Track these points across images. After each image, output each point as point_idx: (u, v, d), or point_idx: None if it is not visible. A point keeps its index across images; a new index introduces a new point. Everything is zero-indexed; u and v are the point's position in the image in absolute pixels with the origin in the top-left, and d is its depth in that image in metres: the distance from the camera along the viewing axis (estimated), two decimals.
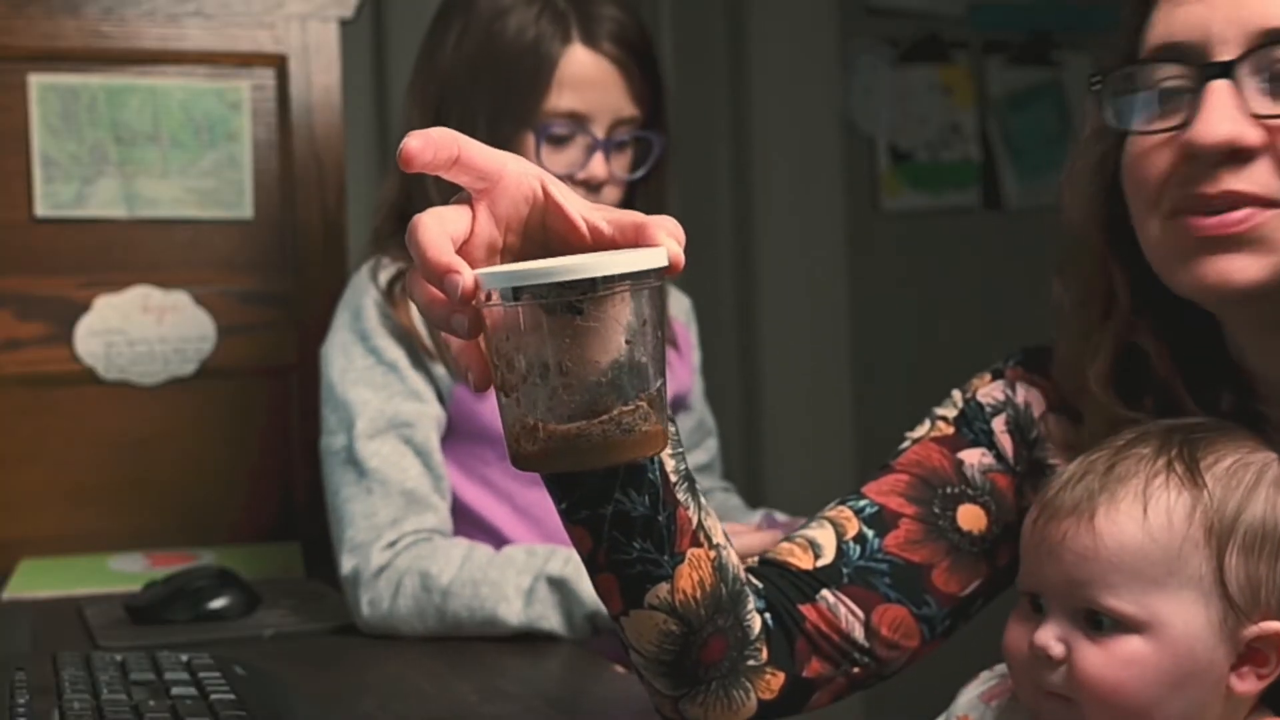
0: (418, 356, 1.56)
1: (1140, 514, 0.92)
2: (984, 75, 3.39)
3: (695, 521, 0.97)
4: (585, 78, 1.55)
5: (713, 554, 0.98)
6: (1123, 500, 0.93)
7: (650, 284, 0.80)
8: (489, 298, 0.79)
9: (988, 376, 1.13)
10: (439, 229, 0.82)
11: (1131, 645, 0.92)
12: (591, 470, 0.90)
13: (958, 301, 3.28)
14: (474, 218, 0.85)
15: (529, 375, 0.80)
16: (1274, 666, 0.93)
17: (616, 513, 0.93)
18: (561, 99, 1.54)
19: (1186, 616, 0.91)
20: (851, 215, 3.19)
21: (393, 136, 2.63)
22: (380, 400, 1.53)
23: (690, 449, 1.79)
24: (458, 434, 1.58)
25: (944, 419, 1.12)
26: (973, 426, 1.11)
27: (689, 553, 0.96)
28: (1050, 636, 0.94)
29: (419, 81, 1.63)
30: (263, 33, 1.91)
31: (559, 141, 1.55)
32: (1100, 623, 0.93)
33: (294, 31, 1.91)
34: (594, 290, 0.78)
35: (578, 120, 1.55)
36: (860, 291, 3.20)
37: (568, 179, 1.50)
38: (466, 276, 0.80)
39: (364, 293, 1.58)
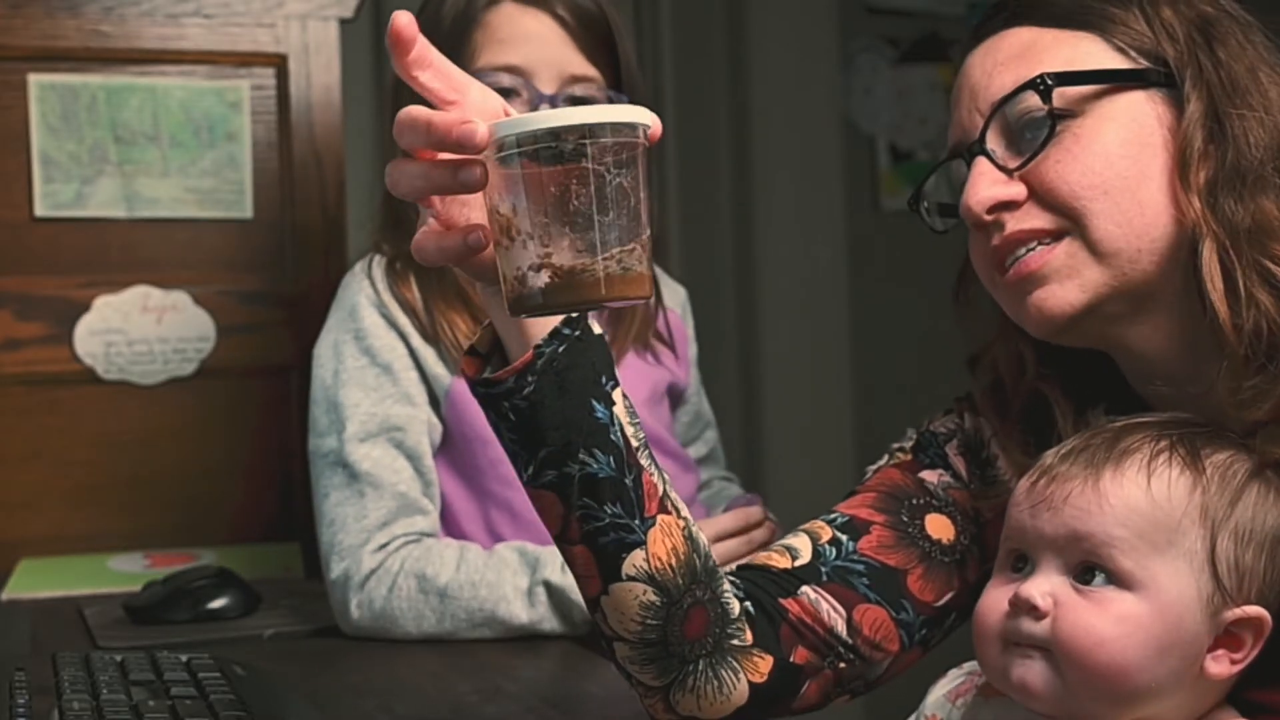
0: (414, 355, 1.55)
1: (1145, 483, 0.95)
2: None
3: (661, 489, 1.00)
4: (520, 32, 1.52)
5: (682, 523, 1.01)
6: (1128, 469, 0.95)
7: (641, 141, 0.88)
8: (501, 146, 0.86)
9: (939, 414, 1.21)
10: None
11: (1125, 603, 0.93)
12: (573, 400, 0.95)
13: None
14: None
15: (536, 216, 0.87)
16: (1248, 651, 0.95)
17: (584, 476, 0.96)
18: (495, 54, 1.51)
19: (1180, 585, 0.93)
20: (851, 215, 3.19)
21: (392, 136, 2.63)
22: (371, 403, 1.52)
23: (690, 442, 1.79)
24: (454, 439, 1.57)
25: (901, 449, 1.19)
26: (928, 453, 1.17)
27: (659, 518, 0.99)
28: (1036, 590, 0.94)
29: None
30: (263, 33, 1.91)
31: (502, 96, 1.51)
32: (1090, 579, 0.93)
33: (294, 31, 1.91)
34: (599, 136, 0.86)
35: (517, 75, 1.51)
36: (860, 291, 3.20)
37: None
38: (481, 126, 0.86)
39: (358, 291, 1.57)
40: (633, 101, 1.57)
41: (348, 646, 1.47)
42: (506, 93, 1.50)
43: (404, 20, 0.86)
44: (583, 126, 0.86)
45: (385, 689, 1.31)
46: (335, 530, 1.49)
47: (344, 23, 1.93)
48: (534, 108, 1.50)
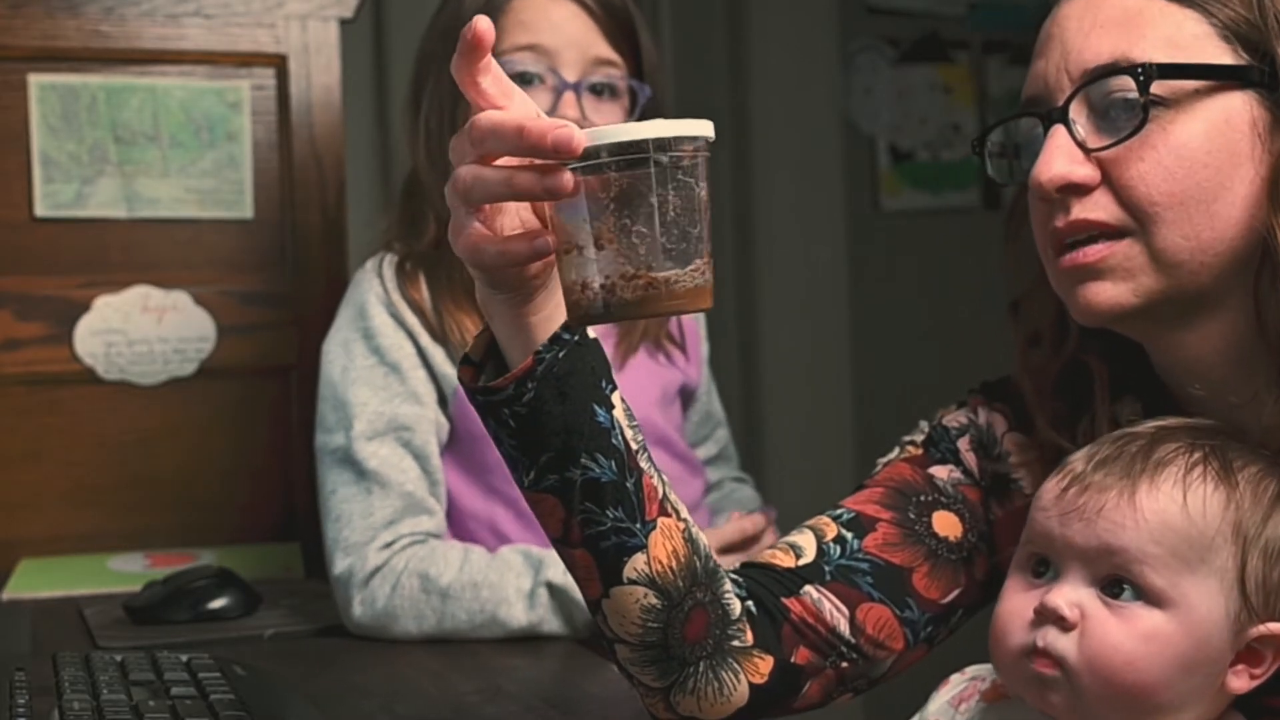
0: (422, 354, 1.55)
1: (1181, 498, 0.94)
2: (984, 75, 3.39)
3: (661, 492, 1.00)
4: (545, 16, 1.53)
5: (682, 525, 1.01)
6: (1164, 482, 0.94)
7: (708, 153, 0.89)
8: (590, 155, 0.86)
9: (952, 407, 1.19)
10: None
11: (1154, 620, 0.92)
12: (576, 405, 0.95)
13: (958, 301, 3.28)
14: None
15: (631, 225, 0.87)
16: (1268, 668, 0.94)
17: (586, 481, 0.96)
18: (519, 36, 1.52)
19: (1210, 604, 0.92)
20: (851, 215, 3.19)
21: (393, 137, 2.63)
22: (380, 401, 1.52)
23: (700, 441, 1.80)
24: (461, 437, 1.57)
25: (912, 443, 1.17)
26: (940, 447, 1.16)
27: (660, 521, 0.99)
28: (1063, 599, 0.93)
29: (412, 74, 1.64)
30: (263, 33, 1.91)
31: (525, 82, 1.51)
32: (1118, 593, 0.93)
33: (294, 31, 1.91)
34: (687, 148, 0.87)
35: (541, 56, 1.52)
36: (860, 291, 3.20)
37: None
38: (578, 132, 0.85)
39: (368, 289, 1.57)
40: (656, 92, 1.58)
41: (349, 646, 1.47)
42: (529, 78, 1.51)
43: (485, 25, 0.87)
44: (672, 139, 0.86)
45: (386, 689, 1.31)
46: (341, 526, 1.50)
47: (344, 23, 1.93)
48: (557, 96, 1.52)
